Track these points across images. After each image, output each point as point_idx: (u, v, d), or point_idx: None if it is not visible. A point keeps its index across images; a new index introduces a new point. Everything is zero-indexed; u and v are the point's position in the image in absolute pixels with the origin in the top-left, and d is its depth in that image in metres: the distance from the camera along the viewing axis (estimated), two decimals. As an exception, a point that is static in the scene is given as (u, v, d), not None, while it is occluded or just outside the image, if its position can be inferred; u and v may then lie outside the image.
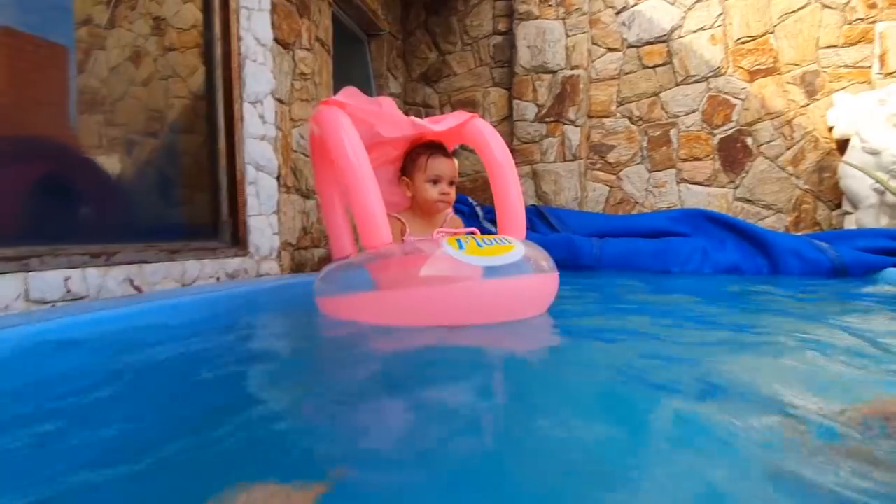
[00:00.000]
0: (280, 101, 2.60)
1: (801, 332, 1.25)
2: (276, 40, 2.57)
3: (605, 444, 0.62)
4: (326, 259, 3.07)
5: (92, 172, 1.80)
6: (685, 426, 0.67)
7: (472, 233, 1.38)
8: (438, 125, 1.62)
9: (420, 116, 4.50)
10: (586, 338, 1.29)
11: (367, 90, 4.18)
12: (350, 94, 1.53)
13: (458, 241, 1.30)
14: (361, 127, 1.47)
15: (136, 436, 0.70)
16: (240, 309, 1.73)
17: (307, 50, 2.88)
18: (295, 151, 2.75)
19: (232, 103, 2.26)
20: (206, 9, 2.21)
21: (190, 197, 2.21)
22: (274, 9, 2.53)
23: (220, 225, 2.29)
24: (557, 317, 1.46)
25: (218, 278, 2.12)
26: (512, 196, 1.60)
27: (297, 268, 2.76)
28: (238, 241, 2.30)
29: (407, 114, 4.63)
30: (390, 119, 1.58)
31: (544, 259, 1.41)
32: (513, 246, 1.32)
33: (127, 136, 1.91)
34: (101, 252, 1.65)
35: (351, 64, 4.02)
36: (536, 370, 1.03)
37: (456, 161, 1.75)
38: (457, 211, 2.62)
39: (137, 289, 1.74)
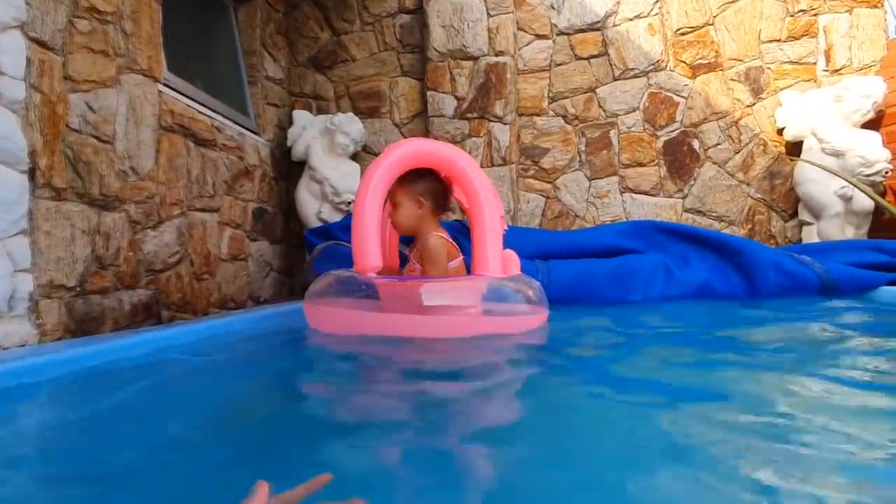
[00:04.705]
0: (41, 43, 1.52)
1: None
2: (34, -59, 1.51)
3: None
4: (147, 305, 1.96)
5: None
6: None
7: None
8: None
9: (310, 109, 3.55)
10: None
11: (234, 68, 3.13)
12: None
13: None
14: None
15: None
16: None
17: (109, -23, 1.82)
18: (77, 132, 1.65)
19: None
20: None
21: None
22: None
23: None
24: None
25: None
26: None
27: (80, 327, 1.63)
28: (-89, 289, 1.17)
29: (293, 107, 3.63)
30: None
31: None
32: None
33: None
34: None
35: (212, 34, 2.97)
36: None
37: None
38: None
39: None
